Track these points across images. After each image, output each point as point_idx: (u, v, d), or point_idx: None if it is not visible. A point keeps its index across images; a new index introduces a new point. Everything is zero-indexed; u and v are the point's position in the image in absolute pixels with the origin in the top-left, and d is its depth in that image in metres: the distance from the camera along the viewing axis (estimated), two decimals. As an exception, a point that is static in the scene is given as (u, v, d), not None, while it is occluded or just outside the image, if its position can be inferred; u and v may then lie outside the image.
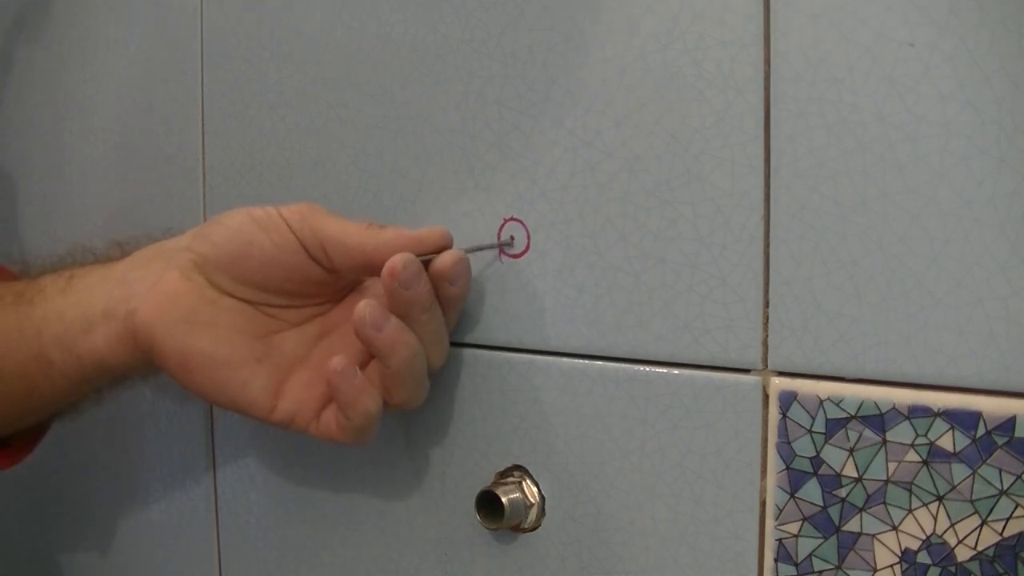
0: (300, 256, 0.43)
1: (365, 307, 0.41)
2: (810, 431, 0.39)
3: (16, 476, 0.52)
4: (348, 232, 0.43)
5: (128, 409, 0.61)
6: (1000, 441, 0.35)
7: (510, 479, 0.46)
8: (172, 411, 0.59)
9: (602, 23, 0.42)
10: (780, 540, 0.40)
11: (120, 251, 0.48)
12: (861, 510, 0.38)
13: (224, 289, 0.44)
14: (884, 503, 0.38)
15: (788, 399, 0.39)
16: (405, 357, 0.42)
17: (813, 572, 0.39)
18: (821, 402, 0.39)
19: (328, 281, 0.45)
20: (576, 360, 0.44)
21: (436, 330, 0.43)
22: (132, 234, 0.51)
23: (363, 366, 0.44)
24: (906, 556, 0.37)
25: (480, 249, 0.46)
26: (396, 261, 0.41)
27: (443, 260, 0.43)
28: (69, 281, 0.46)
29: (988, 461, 0.36)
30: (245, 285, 0.44)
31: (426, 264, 0.42)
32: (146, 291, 0.44)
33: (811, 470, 0.39)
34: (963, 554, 0.36)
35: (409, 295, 0.41)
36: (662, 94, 0.41)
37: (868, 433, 0.38)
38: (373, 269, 0.42)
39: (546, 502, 0.46)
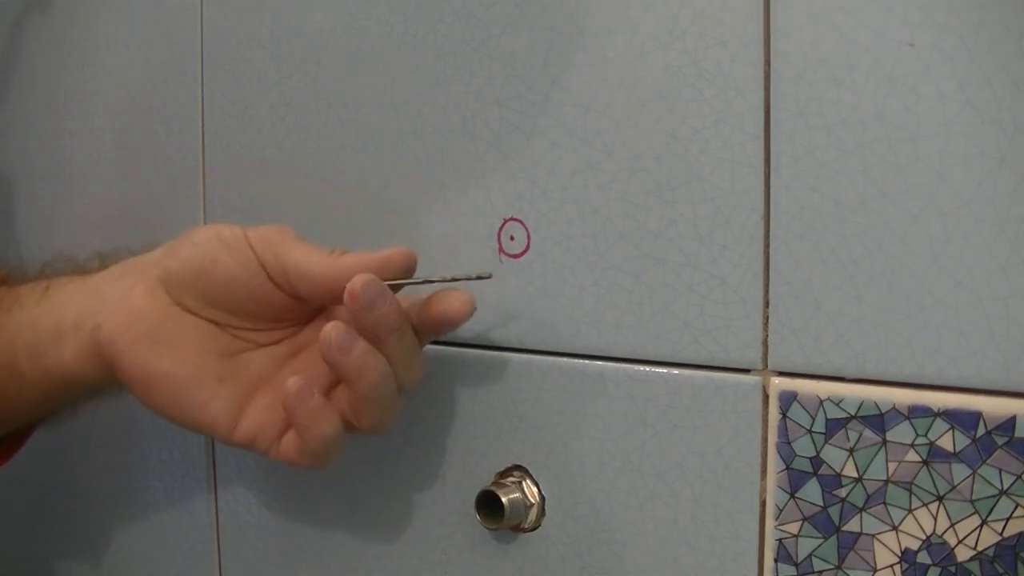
0: (262, 279, 0.43)
1: (332, 329, 0.40)
2: (810, 431, 0.39)
3: (16, 477, 0.52)
4: (310, 260, 0.42)
5: (128, 409, 0.61)
6: (1000, 441, 0.35)
7: (510, 479, 0.46)
8: (172, 411, 0.59)
9: (602, 23, 0.42)
10: (780, 540, 0.40)
11: (100, 262, 0.48)
12: (861, 510, 0.38)
13: (187, 307, 0.43)
14: (884, 503, 0.38)
15: (788, 399, 0.39)
16: (373, 382, 0.41)
17: (813, 572, 0.39)
18: (821, 402, 0.39)
19: (293, 306, 0.44)
20: (576, 360, 0.44)
21: (407, 352, 0.42)
22: (115, 246, 0.51)
23: (330, 388, 0.43)
24: (906, 556, 0.37)
25: (459, 280, 0.44)
26: (355, 283, 0.40)
27: (448, 301, 0.41)
28: (45, 291, 0.46)
29: (988, 461, 0.36)
30: (208, 303, 0.43)
31: (396, 288, 0.41)
32: (113, 306, 0.43)
33: (811, 470, 0.39)
34: (963, 554, 0.36)
35: (373, 316, 0.40)
36: (662, 94, 0.41)
37: (868, 433, 0.38)
38: (334, 297, 0.41)
39: (546, 502, 0.46)
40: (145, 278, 0.44)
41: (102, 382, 0.45)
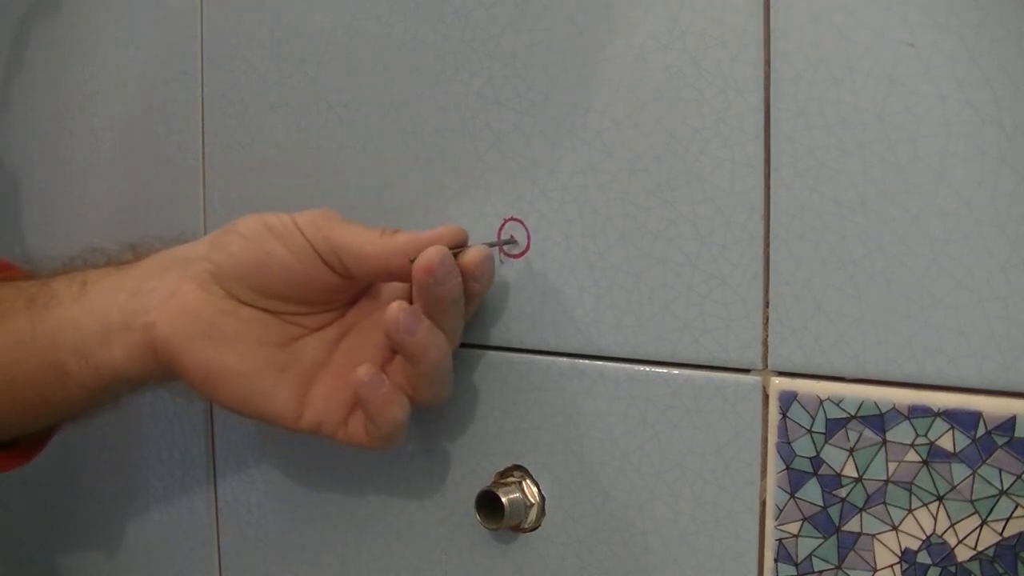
0: (316, 264, 0.43)
1: (398, 311, 0.40)
2: (810, 431, 0.39)
3: (18, 476, 0.52)
4: (362, 239, 0.42)
5: (129, 409, 0.61)
6: (1000, 441, 0.35)
7: (510, 479, 0.46)
8: (172, 411, 0.59)
9: (602, 23, 0.42)
10: (780, 540, 0.40)
11: (133, 254, 0.48)
12: (861, 510, 0.38)
13: (243, 299, 0.44)
14: (884, 503, 0.38)
15: (788, 399, 0.39)
16: (436, 360, 0.42)
17: (813, 572, 0.39)
18: (821, 402, 0.39)
19: (344, 287, 0.45)
20: (576, 360, 0.44)
21: (458, 324, 0.43)
22: (142, 236, 0.51)
23: (385, 363, 0.44)
24: (906, 556, 0.37)
25: (492, 246, 0.45)
26: (433, 256, 0.40)
27: (470, 256, 0.42)
28: (83, 287, 0.46)
29: (988, 461, 0.36)
30: (263, 294, 0.44)
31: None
32: (163, 303, 0.43)
33: (811, 470, 0.39)
34: (963, 554, 0.36)
35: (443, 290, 0.41)
36: (662, 94, 0.41)
37: (868, 433, 0.38)
38: (389, 275, 0.42)
39: (546, 502, 0.46)
40: (193, 273, 0.44)
41: (154, 379, 0.45)
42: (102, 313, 0.44)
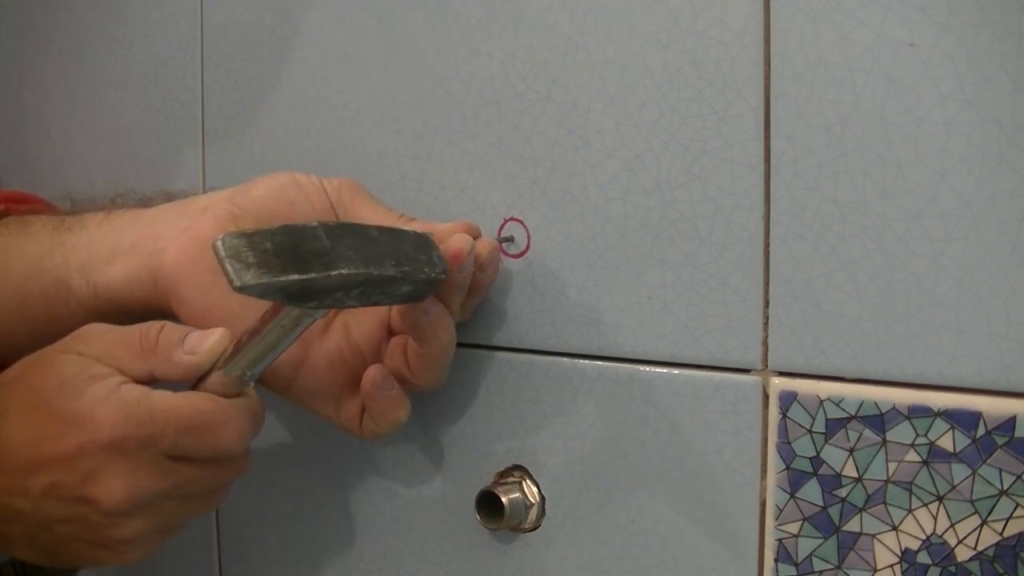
0: None
1: None
2: (810, 431, 0.39)
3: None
4: (379, 219, 0.44)
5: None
6: (1000, 441, 0.35)
7: (510, 479, 0.46)
8: (172, 411, 0.59)
9: (602, 23, 0.42)
10: (780, 540, 0.40)
11: (164, 198, 0.48)
12: (861, 510, 0.38)
13: None
14: (884, 503, 0.38)
15: (788, 399, 0.39)
16: (446, 342, 0.43)
17: (813, 572, 0.39)
18: (821, 402, 0.39)
19: None
20: (576, 360, 0.44)
21: (456, 311, 0.44)
22: (180, 188, 0.51)
23: (381, 343, 0.44)
24: (906, 556, 0.37)
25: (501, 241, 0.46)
26: (463, 245, 0.41)
27: (481, 247, 0.43)
28: (108, 215, 0.47)
29: (988, 461, 0.36)
30: None
31: None
32: (177, 234, 0.43)
33: (811, 470, 0.39)
34: (963, 554, 0.36)
35: (461, 278, 0.42)
36: (662, 94, 0.41)
37: (868, 433, 0.38)
38: None
39: (546, 502, 0.46)
40: (213, 211, 0.44)
41: (144, 308, 0.45)
42: (116, 237, 0.45)
